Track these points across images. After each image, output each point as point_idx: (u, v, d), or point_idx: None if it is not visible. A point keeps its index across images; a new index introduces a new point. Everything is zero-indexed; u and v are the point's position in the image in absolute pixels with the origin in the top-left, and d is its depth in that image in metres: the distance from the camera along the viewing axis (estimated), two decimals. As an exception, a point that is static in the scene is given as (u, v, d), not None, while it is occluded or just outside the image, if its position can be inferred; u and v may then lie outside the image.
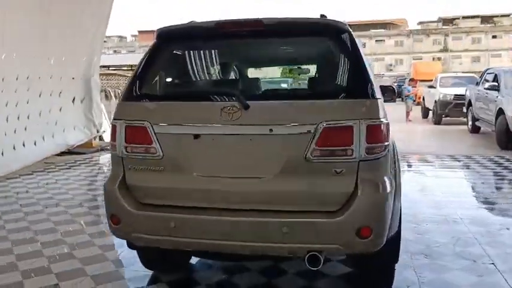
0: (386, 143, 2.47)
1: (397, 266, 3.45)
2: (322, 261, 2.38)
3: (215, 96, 2.54)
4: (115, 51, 58.56)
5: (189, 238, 2.51)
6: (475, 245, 3.98)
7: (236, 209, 2.47)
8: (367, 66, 2.61)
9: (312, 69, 2.94)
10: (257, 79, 2.92)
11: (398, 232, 2.88)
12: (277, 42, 2.88)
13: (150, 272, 3.41)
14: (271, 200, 2.47)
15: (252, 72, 2.83)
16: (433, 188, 6.26)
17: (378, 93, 2.64)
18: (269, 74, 2.73)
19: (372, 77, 2.62)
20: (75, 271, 3.46)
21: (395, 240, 2.83)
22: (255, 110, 2.42)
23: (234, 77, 2.94)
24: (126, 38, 71.13)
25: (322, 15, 2.81)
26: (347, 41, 2.62)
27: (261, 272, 3.40)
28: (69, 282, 3.26)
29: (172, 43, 2.81)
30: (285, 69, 2.89)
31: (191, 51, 2.91)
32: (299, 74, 2.92)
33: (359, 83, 2.52)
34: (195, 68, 2.89)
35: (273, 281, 3.29)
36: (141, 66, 2.73)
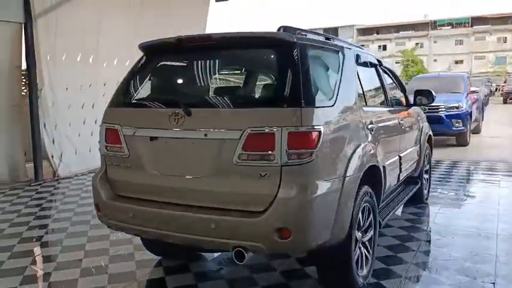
0: (313, 150, 2.54)
1: (388, 274, 3.45)
2: (246, 256, 2.58)
3: (167, 104, 2.87)
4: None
5: (144, 227, 2.89)
6: (490, 262, 3.71)
7: (179, 204, 2.78)
8: (309, 76, 2.69)
9: (250, 79, 3.11)
10: (205, 88, 3.19)
11: (349, 239, 2.90)
12: (224, 54, 3.10)
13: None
14: (205, 198, 2.74)
15: (201, 82, 3.11)
16: (494, 199, 5.76)
17: (321, 102, 2.73)
18: (219, 84, 2.91)
19: (315, 85, 2.72)
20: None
21: (344, 246, 2.87)
22: (195, 116, 2.71)
23: (185, 86, 3.24)
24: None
25: (280, 28, 2.95)
26: (286, 52, 2.74)
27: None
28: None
29: (147, 56, 3.21)
30: (228, 78, 3.07)
31: (158, 63, 3.28)
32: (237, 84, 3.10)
33: (289, 92, 2.62)
34: (158, 78, 3.25)
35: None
36: (125, 77, 3.19)
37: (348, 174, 2.83)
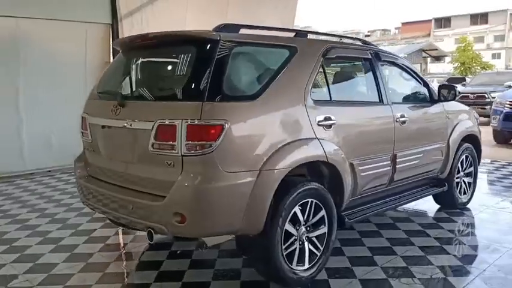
0: (212, 142, 2.68)
1: (336, 273, 3.41)
2: (154, 236, 2.86)
3: (112, 96, 3.24)
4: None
5: (98, 206, 3.33)
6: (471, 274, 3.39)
7: (115, 185, 3.16)
8: (221, 71, 2.81)
9: (172, 74, 3.24)
10: (139, 82, 3.43)
11: (274, 231, 2.97)
12: (157, 51, 3.32)
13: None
14: (130, 181, 3.09)
15: (138, 76, 3.39)
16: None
17: (234, 97, 2.85)
18: (150, 78, 3.09)
19: (229, 80, 2.85)
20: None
21: (267, 238, 2.95)
22: (127, 108, 3.05)
23: (127, 80, 3.52)
24: (389, 31, 71.08)
25: (220, 26, 3.10)
26: (202, 49, 2.89)
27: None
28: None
29: (118, 52, 3.61)
30: (159, 73, 3.24)
31: (119, 59, 3.62)
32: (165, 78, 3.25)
33: (194, 87, 2.79)
34: (115, 72, 3.58)
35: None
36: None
37: (266, 168, 2.89)
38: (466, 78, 19.37)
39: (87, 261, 3.77)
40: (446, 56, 32.53)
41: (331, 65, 3.80)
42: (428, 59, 39.70)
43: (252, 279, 3.34)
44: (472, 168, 5.23)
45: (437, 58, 35.64)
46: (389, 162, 3.96)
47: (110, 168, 3.29)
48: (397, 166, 4.03)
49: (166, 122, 2.76)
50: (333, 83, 3.87)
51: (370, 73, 4.00)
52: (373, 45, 4.40)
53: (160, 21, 8.60)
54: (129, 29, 8.27)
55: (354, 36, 74.24)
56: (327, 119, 3.35)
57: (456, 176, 4.98)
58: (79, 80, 7.67)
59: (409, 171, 4.26)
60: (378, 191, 4.04)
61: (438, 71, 43.14)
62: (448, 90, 4.53)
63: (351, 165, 3.54)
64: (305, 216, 3.24)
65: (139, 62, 3.37)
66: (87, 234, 4.40)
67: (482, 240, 4.14)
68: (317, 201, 3.29)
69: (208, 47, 2.88)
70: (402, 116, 4.08)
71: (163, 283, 3.35)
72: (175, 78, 3.06)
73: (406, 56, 19.70)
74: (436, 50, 26.64)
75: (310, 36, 3.91)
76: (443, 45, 53.25)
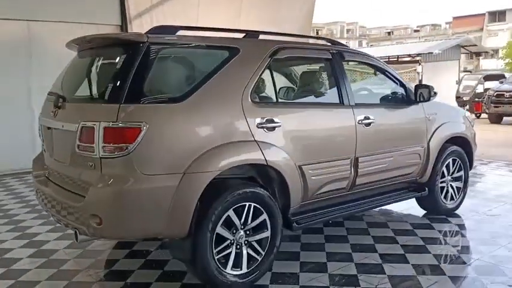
0: (128, 145, 2.70)
1: (279, 279, 3.35)
2: (78, 238, 2.91)
3: (53, 97, 3.31)
4: (426, 41, 57.35)
5: (46, 207, 3.43)
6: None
7: (57, 186, 3.25)
8: (143, 74, 2.82)
9: (102, 76, 3.23)
10: (77, 83, 3.39)
11: (203, 235, 2.95)
12: (96, 53, 3.33)
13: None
14: (64, 181, 3.14)
15: (78, 78, 3.40)
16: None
17: (156, 99, 2.85)
18: (87, 81, 3.10)
19: (151, 83, 2.85)
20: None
21: (196, 242, 2.94)
22: (62, 109, 3.13)
23: (69, 82, 3.52)
24: (440, 25, 68.39)
25: (154, 28, 3.12)
26: (128, 51, 2.90)
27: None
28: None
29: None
30: (91, 75, 3.23)
31: (72, 60, 3.64)
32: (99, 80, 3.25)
33: (114, 89, 2.80)
34: (64, 74, 3.60)
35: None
36: None
37: (190, 171, 2.88)
38: (507, 75, 18.34)
39: (49, 257, 3.90)
40: (486, 52, 30.86)
41: (282, 65, 3.72)
42: (473, 56, 37.84)
43: (194, 281, 3.34)
44: (461, 173, 4.95)
45: (478, 54, 33.91)
46: (349, 166, 3.82)
47: (53, 168, 3.39)
48: (359, 170, 3.89)
49: (87, 124, 2.81)
50: (283, 84, 3.78)
51: (329, 74, 3.88)
52: (342, 44, 4.26)
53: (169, 22, 8.74)
54: (138, 30, 8.46)
55: (403, 30, 71.67)
56: (269, 121, 3.28)
57: (440, 180, 4.74)
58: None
59: (377, 175, 4.09)
60: (339, 195, 3.92)
61: (492, 67, 41.15)
62: (424, 90, 4.32)
63: (300, 168, 3.46)
64: (242, 220, 3.19)
65: (80, 63, 3.43)
66: (63, 230, 4.55)
67: (451, 250, 3.92)
68: (256, 205, 3.23)
69: (133, 50, 2.90)
70: (366, 118, 3.92)
71: (106, 282, 3.42)
72: (102, 80, 3.10)
73: (440, 52, 18.79)
74: (476, 45, 25.32)
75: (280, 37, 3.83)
76: (498, 40, 50.63)
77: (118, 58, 2.99)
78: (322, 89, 3.99)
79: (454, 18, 63.06)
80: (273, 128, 3.30)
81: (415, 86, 4.36)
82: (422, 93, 4.31)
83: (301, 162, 3.47)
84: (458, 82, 18.43)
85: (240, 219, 3.18)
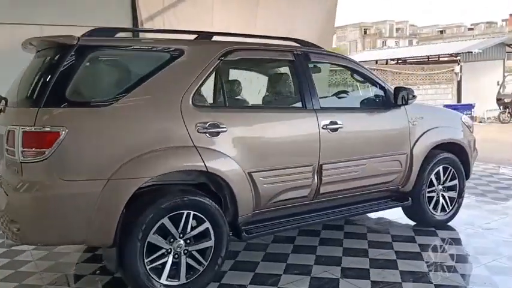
0: (45, 149, 2.64)
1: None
2: (5, 242, 2.89)
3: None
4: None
5: None
6: None
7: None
8: (67, 77, 2.74)
9: (32, 80, 3.12)
10: (16, 86, 3.26)
11: (133, 243, 2.86)
12: (39, 55, 3.22)
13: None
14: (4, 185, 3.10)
15: (23, 81, 3.29)
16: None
17: (79, 103, 2.78)
18: (24, 83, 3.01)
19: (76, 86, 2.77)
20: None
21: (127, 250, 2.86)
22: (4, 113, 3.11)
23: (18, 85, 3.47)
24: (496, 23, 64.94)
25: (91, 30, 3.05)
26: (55, 54, 2.84)
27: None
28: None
29: None
30: (27, 78, 3.14)
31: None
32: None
33: (36, 93, 2.74)
34: (21, 75, 3.50)
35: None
36: None
37: (116, 177, 2.79)
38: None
39: (13, 258, 3.94)
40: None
41: (234, 68, 3.56)
42: None
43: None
44: (455, 182, 4.58)
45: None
46: (311, 173, 3.60)
47: (1, 173, 3.39)
48: (324, 178, 3.66)
49: (11, 128, 2.78)
50: (234, 87, 3.62)
51: (290, 76, 3.68)
52: (314, 46, 4.02)
53: (182, 25, 8.73)
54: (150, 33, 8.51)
55: (455, 29, 68.60)
56: (213, 125, 3.14)
57: (429, 189, 4.39)
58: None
59: (346, 184, 3.84)
60: (303, 204, 3.71)
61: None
62: (403, 93, 4.01)
63: (250, 176, 3.29)
64: (180, 229, 3.07)
65: (29, 66, 3.39)
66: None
67: (421, 267, 3.59)
68: (196, 213, 3.10)
69: (61, 52, 2.84)
70: (333, 123, 3.68)
71: (53, 286, 3.40)
72: (30, 83, 3.05)
73: (480, 51, 17.61)
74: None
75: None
76: (559, 37, 47.43)
77: (48, 61, 2.94)
78: (282, 92, 3.78)
79: (511, 15, 59.71)
80: (217, 133, 3.15)
81: (395, 88, 4.06)
82: (402, 96, 4.00)
83: (252, 169, 3.30)
84: (501, 83, 17.33)
85: (177, 228, 3.05)
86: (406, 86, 4.10)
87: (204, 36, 3.51)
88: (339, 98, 4.37)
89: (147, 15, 8.51)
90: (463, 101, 16.54)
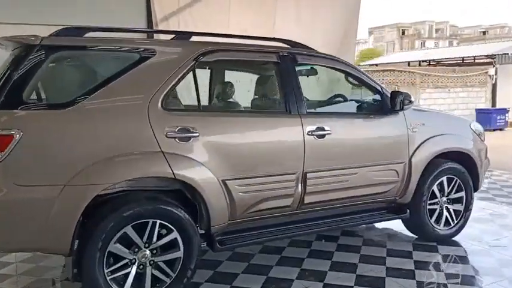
0: None
1: None
2: None
3: None
4: None
5: None
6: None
7: None
8: (23, 78, 2.62)
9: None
10: None
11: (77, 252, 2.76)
12: (10, 55, 3.03)
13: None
14: None
15: None
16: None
17: (34, 105, 2.67)
18: None
19: (31, 87, 2.66)
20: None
21: (80, 259, 2.75)
22: None
23: None
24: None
25: (61, 29, 2.95)
26: (16, 55, 2.75)
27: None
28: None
29: None
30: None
31: None
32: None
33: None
34: None
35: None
36: None
37: (73, 183, 2.67)
38: None
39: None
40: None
41: (213, 70, 3.39)
42: None
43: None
44: (461, 194, 4.24)
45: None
46: (294, 182, 3.39)
47: None
48: (308, 187, 3.44)
49: None
50: (210, 90, 3.44)
51: (274, 79, 3.47)
52: (304, 47, 3.79)
53: (198, 25, 8.63)
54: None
55: (499, 29, 66.00)
56: (183, 130, 2.98)
57: (430, 201, 4.09)
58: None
59: (333, 194, 3.60)
60: (285, 214, 3.50)
61: None
62: (400, 97, 3.73)
63: (224, 183, 3.12)
64: (145, 238, 2.92)
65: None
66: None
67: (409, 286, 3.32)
68: (163, 222, 2.95)
69: (23, 53, 2.75)
70: (320, 129, 3.45)
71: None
72: None
73: (504, 55, 16.47)
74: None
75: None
76: None
77: (11, 61, 2.85)
78: (265, 96, 3.58)
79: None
80: (188, 138, 2.99)
81: (391, 92, 3.79)
82: (399, 101, 3.73)
83: (226, 177, 3.12)
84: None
85: (142, 237, 2.91)
86: (402, 91, 3.80)
87: (181, 37, 3.36)
88: (332, 102, 4.14)
89: (162, 16, 8.45)
90: (498, 105, 15.73)
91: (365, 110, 3.97)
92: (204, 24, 8.40)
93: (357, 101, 4.07)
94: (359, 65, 21.91)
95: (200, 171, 3.02)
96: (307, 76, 4.32)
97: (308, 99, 4.17)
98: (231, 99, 3.71)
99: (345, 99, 4.10)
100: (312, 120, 3.46)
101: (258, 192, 3.26)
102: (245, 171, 3.20)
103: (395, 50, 62.60)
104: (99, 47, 2.97)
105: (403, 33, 73.10)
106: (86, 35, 3.00)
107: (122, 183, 2.92)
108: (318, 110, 3.69)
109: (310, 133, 3.42)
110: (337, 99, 4.18)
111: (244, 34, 3.61)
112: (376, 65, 22.10)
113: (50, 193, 2.64)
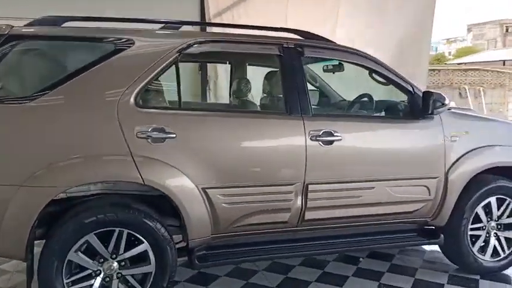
0: None
1: None
2: None
3: None
4: None
5: None
6: None
7: None
8: None
9: None
10: None
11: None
12: None
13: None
14: None
15: None
16: None
17: None
18: None
19: None
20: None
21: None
22: None
23: None
24: None
25: (38, 18, 2.74)
26: None
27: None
28: None
29: None
30: None
31: None
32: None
33: None
34: None
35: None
36: None
37: (29, 184, 2.45)
38: None
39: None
40: None
41: (202, 63, 3.01)
42: None
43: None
44: (517, 217, 3.48)
45: None
46: (292, 194, 2.93)
47: None
48: (310, 201, 2.96)
49: None
50: (199, 85, 3.06)
51: (274, 74, 3.02)
52: (321, 38, 3.29)
53: (253, 20, 8.30)
54: (219, 28, 8.24)
55: None
56: (158, 130, 2.65)
57: (473, 226, 3.39)
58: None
59: (342, 211, 3.07)
60: (284, 231, 3.05)
61: None
62: (432, 98, 3.10)
63: (205, 192, 2.75)
64: (110, 248, 2.64)
65: None
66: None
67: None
68: (131, 232, 2.65)
69: None
70: (327, 134, 2.95)
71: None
72: None
73: None
74: None
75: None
76: None
77: None
78: (262, 94, 3.13)
79: None
80: (162, 139, 2.66)
81: (423, 92, 3.15)
82: (429, 103, 3.09)
83: (207, 185, 2.75)
84: None
85: (107, 247, 2.64)
86: (436, 91, 3.15)
87: (170, 26, 3.03)
88: (354, 103, 3.57)
89: (216, 11, 8.24)
90: None
91: (392, 113, 3.37)
92: (260, 19, 8.05)
93: (383, 103, 3.49)
94: (445, 63, 20.28)
95: (175, 177, 2.68)
96: (333, 73, 3.80)
97: (323, 99, 3.68)
98: (223, 97, 3.32)
99: (371, 100, 3.52)
100: (317, 123, 2.96)
101: (246, 204, 2.85)
102: (230, 180, 2.80)
103: (498, 48, 57.73)
104: (71, 37, 2.73)
105: (507, 30, 67.32)
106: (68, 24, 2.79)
107: (98, 185, 2.69)
108: (330, 111, 3.15)
109: (314, 138, 2.93)
110: (363, 99, 3.60)
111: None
112: (465, 63, 20.30)
113: (3, 194, 2.45)
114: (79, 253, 2.59)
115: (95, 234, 2.60)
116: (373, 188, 3.09)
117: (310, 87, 3.57)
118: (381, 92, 3.59)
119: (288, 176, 2.92)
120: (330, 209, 3.03)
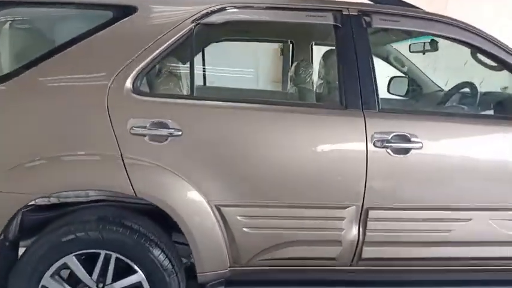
0: None
1: None
2: None
3: None
4: None
5: None
6: None
7: None
8: None
9: None
10: None
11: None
12: None
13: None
14: None
15: None
16: None
17: None
18: None
19: None
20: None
21: None
22: None
23: None
24: None
25: None
26: None
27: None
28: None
29: None
30: None
31: None
32: None
33: None
34: None
35: None
36: None
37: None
38: None
39: None
40: None
41: (226, 37, 2.26)
42: None
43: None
44: None
45: None
46: (344, 221, 2.09)
47: None
48: (369, 232, 2.10)
49: None
50: (216, 67, 2.30)
51: (330, 54, 2.18)
52: (406, 4, 2.37)
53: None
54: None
55: None
56: (159, 125, 1.99)
57: None
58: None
59: (420, 249, 2.15)
60: (332, 270, 2.21)
61: None
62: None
63: (218, 210, 2.03)
64: (95, 275, 2.05)
65: None
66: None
67: None
68: (121, 257, 2.03)
69: None
70: (401, 139, 2.05)
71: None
72: None
73: None
74: None
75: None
76: None
77: None
78: (306, 80, 2.28)
79: None
80: (164, 138, 1.99)
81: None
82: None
83: (223, 202, 2.03)
84: None
85: (90, 274, 2.05)
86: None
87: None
88: (448, 95, 2.57)
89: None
90: None
91: (505, 112, 2.33)
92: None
93: (492, 96, 2.46)
94: None
95: (178, 190, 2.00)
96: (423, 53, 2.83)
97: (412, 88, 2.73)
98: (250, 82, 2.53)
99: (474, 91, 2.49)
100: (386, 123, 2.07)
101: (276, 230, 2.07)
102: (254, 196, 2.04)
103: None
104: (56, 3, 2.16)
105: None
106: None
107: (94, 191, 2.13)
108: (409, 106, 2.22)
109: (379, 144, 2.05)
110: (462, 90, 2.58)
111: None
112: None
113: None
114: (56, 278, 2.03)
115: (75, 256, 2.02)
116: (470, 219, 2.12)
117: (396, 72, 2.70)
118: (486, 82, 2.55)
119: (339, 196, 2.07)
120: (400, 246, 2.13)
